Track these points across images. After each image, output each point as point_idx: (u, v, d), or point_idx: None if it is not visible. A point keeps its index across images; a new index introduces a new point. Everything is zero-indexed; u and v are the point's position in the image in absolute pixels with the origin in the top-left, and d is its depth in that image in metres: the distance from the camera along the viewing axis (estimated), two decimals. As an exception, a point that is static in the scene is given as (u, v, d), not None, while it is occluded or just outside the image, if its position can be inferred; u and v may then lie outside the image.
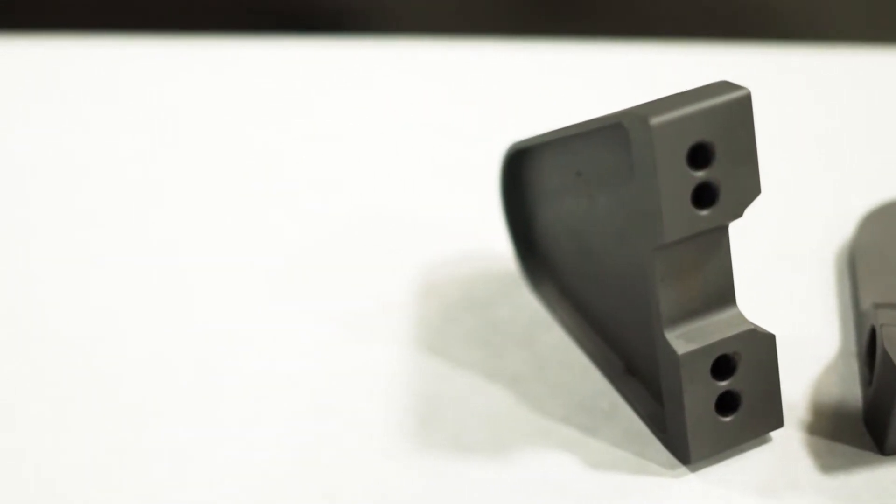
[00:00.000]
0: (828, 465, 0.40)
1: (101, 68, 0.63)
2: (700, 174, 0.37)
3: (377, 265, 0.49)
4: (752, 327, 0.39)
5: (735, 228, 0.47)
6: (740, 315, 0.39)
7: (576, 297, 0.45)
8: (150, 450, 0.41)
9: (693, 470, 0.40)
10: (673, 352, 0.38)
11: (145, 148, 0.57)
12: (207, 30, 0.66)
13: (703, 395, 0.39)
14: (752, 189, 0.37)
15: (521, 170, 0.45)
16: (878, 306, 0.41)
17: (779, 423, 0.40)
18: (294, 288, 0.48)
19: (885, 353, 0.40)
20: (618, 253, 0.41)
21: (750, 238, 0.48)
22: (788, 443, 0.41)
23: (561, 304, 0.45)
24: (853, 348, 0.44)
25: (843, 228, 0.49)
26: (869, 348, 0.42)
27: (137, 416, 0.42)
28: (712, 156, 0.37)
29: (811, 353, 0.44)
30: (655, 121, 0.36)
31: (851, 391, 0.43)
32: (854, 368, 0.44)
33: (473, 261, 0.49)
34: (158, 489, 0.40)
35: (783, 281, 0.47)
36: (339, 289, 0.47)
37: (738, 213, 0.37)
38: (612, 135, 0.38)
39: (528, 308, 0.46)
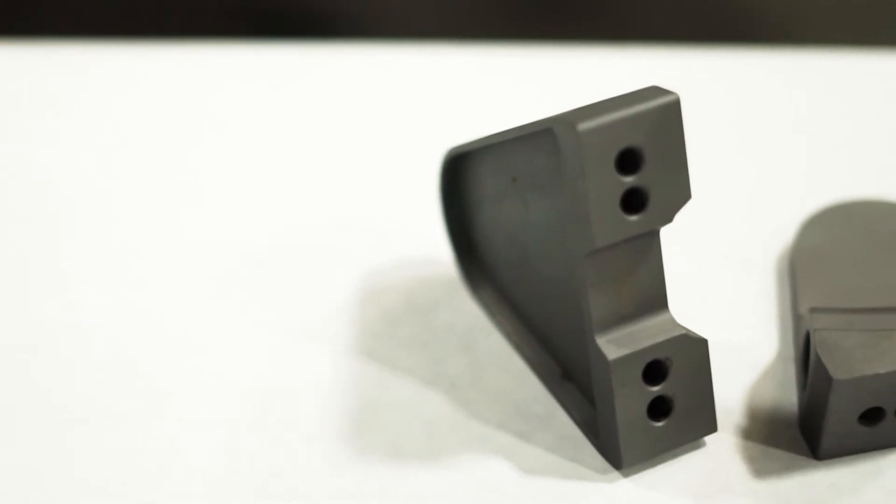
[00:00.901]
0: (761, 469, 0.40)
1: (72, 73, 0.63)
2: (629, 179, 0.37)
3: (320, 272, 0.49)
4: (684, 332, 0.39)
5: (678, 233, 0.47)
6: (672, 320, 0.39)
7: (514, 302, 0.45)
8: (84, 453, 0.41)
9: (626, 475, 0.40)
10: (604, 357, 0.38)
11: (100, 153, 0.57)
12: (179, 35, 0.66)
13: (634, 400, 0.39)
14: (682, 194, 0.37)
15: (460, 175, 0.45)
16: (813, 310, 0.42)
17: (712, 427, 0.40)
18: (237, 294, 0.48)
19: (818, 358, 0.40)
20: (552, 258, 0.41)
21: (692, 243, 0.48)
22: (722, 447, 0.41)
23: (500, 309, 0.45)
24: (791, 353, 0.44)
25: (787, 233, 0.49)
26: (805, 353, 0.42)
27: (75, 419, 0.42)
28: (641, 161, 0.37)
29: (749, 358, 0.44)
30: (583, 126, 0.36)
31: (788, 396, 0.43)
32: (792, 373, 0.44)
33: (416, 266, 0.49)
34: (91, 492, 0.40)
35: (724, 285, 0.47)
36: (282, 295, 0.47)
37: (668, 219, 0.38)
38: (544, 140, 0.38)
39: (468, 313, 0.46)
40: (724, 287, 0.47)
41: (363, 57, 0.63)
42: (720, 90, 0.60)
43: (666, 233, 0.48)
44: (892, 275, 0.44)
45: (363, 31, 1.04)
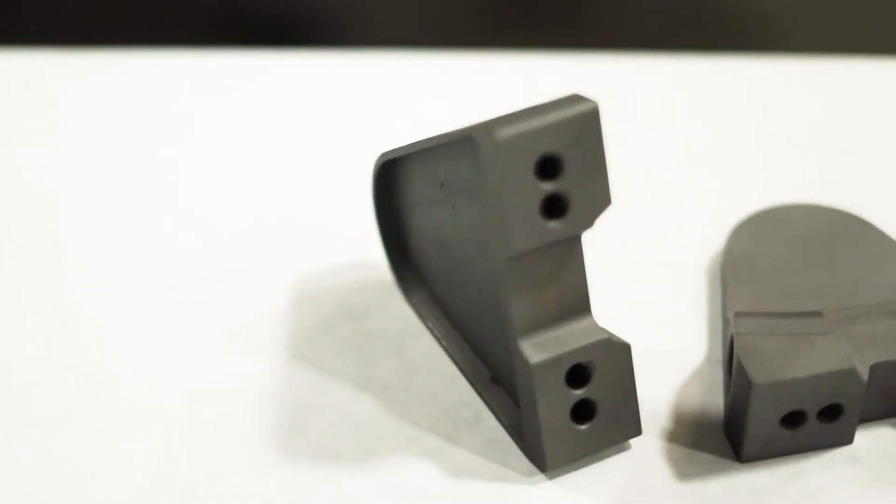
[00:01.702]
0: (684, 472, 0.41)
1: (37, 80, 0.63)
2: (549, 186, 0.37)
3: (256, 276, 0.49)
4: (607, 336, 0.39)
5: (612, 238, 0.48)
6: (595, 324, 0.40)
7: (445, 307, 0.45)
8: (11, 457, 0.41)
9: (550, 477, 0.41)
10: (526, 361, 0.39)
11: (45, 157, 0.57)
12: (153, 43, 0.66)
13: (557, 403, 0.39)
14: (602, 200, 0.38)
15: (393, 180, 0.45)
16: (738, 315, 0.42)
17: (636, 430, 0.41)
18: (171, 297, 0.48)
19: (739, 363, 0.40)
20: (478, 263, 0.41)
21: (627, 248, 0.49)
22: (648, 450, 0.42)
23: (432, 312, 0.46)
24: (720, 356, 0.45)
25: (720, 237, 0.49)
26: (730, 357, 0.43)
27: (2, 422, 0.43)
28: (561, 168, 0.37)
29: (678, 362, 0.45)
30: (502, 134, 0.36)
31: (714, 399, 0.43)
32: (719, 377, 0.44)
33: (351, 270, 0.49)
34: (17, 497, 0.40)
35: (657, 290, 0.48)
36: (218, 299, 0.48)
37: (588, 224, 0.38)
38: (468, 147, 0.39)
39: (401, 317, 0.47)
40: (656, 292, 0.48)
41: (337, 63, 0.64)
42: (658, 96, 0.60)
43: (600, 238, 0.49)
44: (818, 279, 0.45)
45: (335, 39, 1.04)
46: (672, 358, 0.45)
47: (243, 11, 1.07)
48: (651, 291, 0.48)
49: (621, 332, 0.42)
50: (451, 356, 0.45)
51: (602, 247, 0.50)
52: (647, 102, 0.60)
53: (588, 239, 0.47)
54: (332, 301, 0.48)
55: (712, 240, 0.49)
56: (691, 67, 0.63)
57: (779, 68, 0.63)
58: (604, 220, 0.50)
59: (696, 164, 0.56)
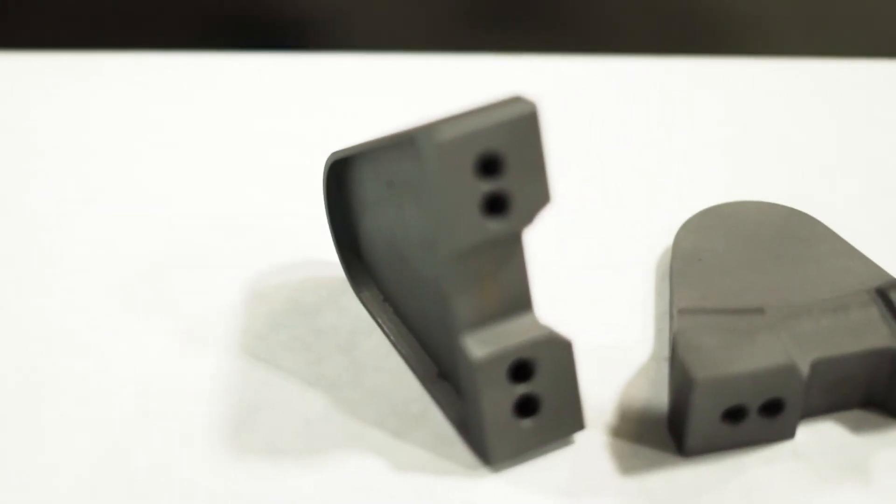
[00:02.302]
0: (628, 466, 0.41)
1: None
2: (490, 185, 0.38)
3: (208, 273, 0.49)
4: (549, 333, 0.40)
5: (562, 236, 0.48)
6: (537, 321, 0.40)
7: (395, 304, 0.46)
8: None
9: (495, 471, 0.41)
10: (469, 356, 0.39)
11: (9, 158, 0.57)
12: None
13: (500, 398, 0.40)
14: (542, 197, 0.38)
15: (344, 179, 0.46)
16: (681, 312, 0.43)
17: (580, 425, 0.41)
18: (123, 295, 0.48)
19: (680, 358, 0.41)
20: (424, 261, 0.42)
21: (577, 246, 0.49)
22: (592, 445, 0.42)
23: (383, 310, 0.46)
24: (666, 353, 0.45)
25: (670, 234, 0.50)
26: (674, 353, 0.43)
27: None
28: (502, 167, 0.38)
29: (625, 359, 0.45)
30: (442, 135, 0.37)
31: (659, 395, 0.44)
32: (665, 373, 0.45)
33: (304, 267, 0.49)
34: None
35: (605, 288, 0.48)
36: (169, 297, 0.48)
37: (529, 221, 0.39)
38: (411, 147, 0.39)
39: (352, 314, 0.47)
40: (604, 289, 0.48)
41: (303, 65, 0.64)
42: (611, 95, 0.61)
43: (550, 236, 0.49)
44: (764, 276, 0.45)
45: (304, 42, 1.04)
46: (618, 354, 0.45)
47: (205, 13, 1.08)
48: (600, 289, 0.48)
49: (569, 329, 0.42)
50: (400, 353, 0.45)
51: (552, 244, 0.50)
52: (599, 101, 0.61)
53: (538, 236, 0.48)
54: (284, 298, 0.48)
55: (662, 236, 0.50)
56: (644, 67, 0.64)
57: (728, 68, 0.63)
58: (555, 218, 0.50)
59: (647, 162, 0.56)
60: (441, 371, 0.44)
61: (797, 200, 0.50)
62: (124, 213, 0.53)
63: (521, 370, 0.40)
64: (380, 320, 0.46)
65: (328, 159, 0.45)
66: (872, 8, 1.03)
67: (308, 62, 0.64)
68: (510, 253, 0.39)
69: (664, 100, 0.60)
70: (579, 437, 0.42)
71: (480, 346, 0.39)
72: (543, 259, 0.49)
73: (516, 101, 0.38)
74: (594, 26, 1.04)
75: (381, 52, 0.64)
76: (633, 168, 0.56)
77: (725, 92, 0.61)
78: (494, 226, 0.38)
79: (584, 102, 0.60)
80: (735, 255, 0.46)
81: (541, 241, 0.50)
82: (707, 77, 0.62)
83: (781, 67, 0.63)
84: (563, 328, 0.41)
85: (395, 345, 0.45)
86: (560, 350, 0.40)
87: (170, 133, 0.58)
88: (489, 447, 0.40)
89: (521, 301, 0.40)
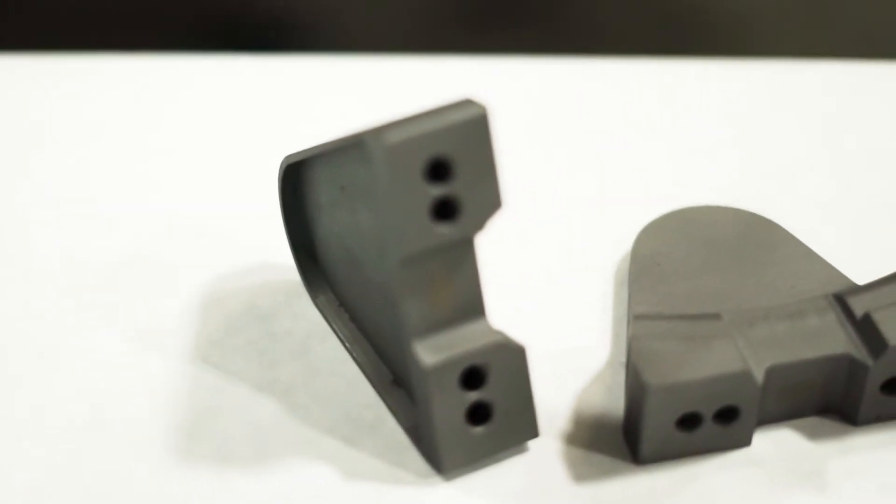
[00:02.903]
0: (582, 474, 0.41)
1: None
2: (439, 189, 0.37)
3: (164, 278, 0.49)
4: (501, 339, 0.39)
5: (523, 241, 0.48)
6: (489, 327, 0.40)
7: (351, 308, 0.45)
8: None
9: (447, 479, 0.41)
10: (420, 363, 0.39)
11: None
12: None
13: (452, 405, 0.39)
14: (493, 202, 0.38)
15: (300, 183, 0.45)
16: (636, 317, 0.42)
17: (533, 433, 0.41)
18: (77, 300, 0.48)
19: (634, 365, 0.40)
20: (377, 266, 0.42)
21: (537, 251, 0.49)
22: (546, 452, 0.42)
23: (338, 315, 0.46)
24: (622, 358, 0.45)
25: (629, 240, 0.49)
26: (628, 359, 0.43)
27: None
28: (452, 171, 0.37)
29: (581, 365, 0.45)
30: (390, 139, 0.36)
31: (615, 402, 0.44)
32: (622, 379, 0.44)
33: (261, 272, 0.49)
34: None
35: (564, 293, 0.48)
36: (124, 301, 0.48)
37: (480, 227, 0.38)
38: (362, 150, 0.39)
39: (308, 319, 0.47)
40: (563, 294, 0.48)
41: (273, 67, 0.64)
42: (573, 98, 0.61)
43: (510, 240, 0.49)
44: (723, 281, 0.45)
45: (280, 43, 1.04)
46: (575, 360, 0.45)
47: (181, 14, 1.07)
48: (558, 294, 0.48)
49: (526, 334, 0.42)
50: (355, 359, 0.45)
51: (512, 249, 0.50)
52: (561, 104, 0.60)
53: (497, 240, 0.48)
54: (240, 303, 0.48)
55: (622, 241, 0.50)
56: (609, 69, 0.63)
57: (691, 71, 0.63)
58: (514, 222, 0.50)
59: (609, 165, 0.56)
60: (395, 378, 0.43)
61: (759, 205, 0.50)
62: (79, 217, 0.52)
63: (472, 377, 0.40)
64: (335, 326, 0.46)
65: (282, 162, 0.45)
66: (839, 9, 1.03)
67: (285, 63, 0.64)
68: (461, 258, 0.39)
69: (628, 103, 0.60)
70: (533, 445, 0.42)
71: (431, 352, 0.39)
72: (501, 264, 0.49)
73: (466, 104, 0.37)
74: (558, 27, 1.04)
75: (363, 53, 0.64)
76: (596, 171, 0.55)
77: (689, 96, 0.61)
78: (444, 231, 0.38)
79: (544, 104, 0.60)
80: (694, 260, 0.46)
81: (499, 245, 0.49)
82: (671, 81, 0.62)
83: (743, 71, 0.63)
84: (519, 334, 0.41)
85: (349, 351, 0.45)
86: (513, 356, 0.40)
87: (125, 136, 0.58)
88: (441, 455, 0.40)
89: (473, 307, 0.40)
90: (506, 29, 1.04)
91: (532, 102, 0.60)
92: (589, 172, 0.55)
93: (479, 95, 0.39)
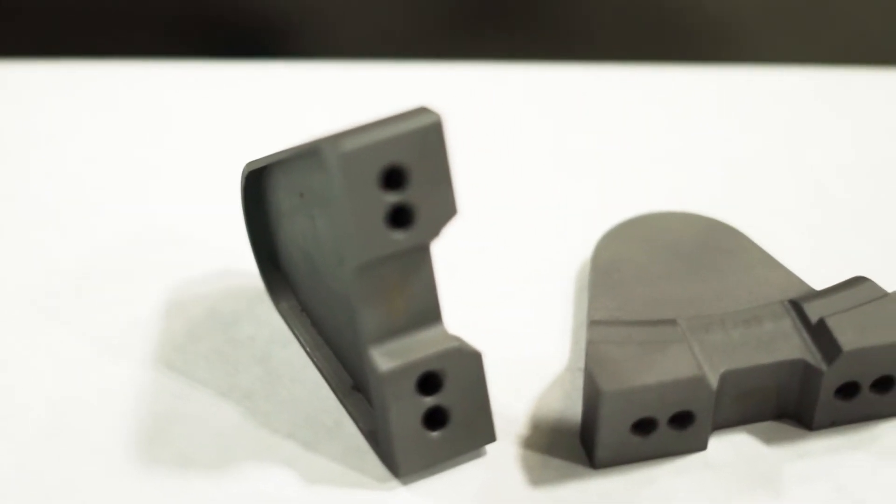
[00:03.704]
0: (539, 478, 0.41)
1: None
2: (394, 197, 0.38)
3: (128, 284, 0.49)
4: (457, 345, 0.40)
5: (485, 245, 0.48)
6: (446, 333, 0.40)
7: (312, 314, 0.46)
8: None
9: (405, 483, 0.41)
10: (376, 369, 0.39)
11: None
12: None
13: (409, 410, 0.40)
14: (448, 210, 0.38)
15: (262, 189, 0.46)
16: (593, 323, 0.43)
17: (490, 437, 0.41)
18: (40, 306, 0.48)
19: (589, 371, 0.41)
20: (335, 272, 0.42)
21: (499, 257, 0.49)
22: (503, 457, 0.42)
23: (300, 320, 0.46)
24: (581, 364, 0.45)
25: (591, 246, 0.50)
26: (585, 364, 0.43)
27: None
28: (407, 179, 0.38)
29: (540, 370, 0.45)
30: (344, 147, 0.37)
31: (573, 407, 0.44)
32: (580, 384, 0.45)
33: (225, 278, 0.49)
34: None
35: (524, 299, 0.48)
36: (87, 308, 0.48)
37: (435, 234, 0.39)
38: (319, 158, 0.39)
39: (270, 325, 0.47)
40: (523, 300, 0.48)
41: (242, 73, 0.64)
42: (537, 104, 0.61)
43: (472, 247, 0.49)
44: (682, 287, 0.45)
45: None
46: (534, 366, 0.45)
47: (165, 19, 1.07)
48: (519, 300, 0.49)
49: (485, 340, 0.42)
50: (315, 364, 0.45)
51: (476, 256, 0.51)
52: (522, 111, 0.61)
53: (459, 247, 0.48)
54: (203, 309, 0.48)
55: (583, 248, 0.50)
56: (569, 77, 0.64)
57: (653, 78, 0.63)
58: (477, 228, 0.50)
59: (572, 171, 0.56)
60: (355, 383, 0.44)
61: (720, 211, 0.50)
62: (43, 224, 0.52)
63: (429, 382, 0.40)
64: (297, 331, 0.46)
65: (244, 169, 0.45)
66: (795, 14, 1.04)
67: (267, 70, 0.64)
68: (417, 265, 0.39)
69: (589, 110, 0.61)
70: (491, 449, 0.42)
71: (388, 358, 0.39)
72: (464, 270, 0.49)
73: (421, 112, 0.38)
74: (525, 35, 1.04)
75: (347, 59, 0.64)
76: (558, 177, 0.56)
77: (652, 102, 0.61)
78: (400, 238, 0.38)
79: (505, 111, 0.60)
80: (654, 266, 0.47)
81: (462, 251, 0.50)
82: (633, 88, 0.62)
83: (704, 78, 0.63)
84: (480, 340, 0.41)
85: (311, 356, 0.45)
86: (469, 361, 0.40)
87: (89, 142, 0.58)
88: (398, 459, 0.40)
89: (429, 313, 0.40)
90: (471, 37, 1.05)
91: (491, 109, 0.61)
92: (552, 178, 0.56)
93: (434, 102, 0.40)
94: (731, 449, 0.43)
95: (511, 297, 0.49)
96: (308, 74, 0.64)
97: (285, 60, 0.65)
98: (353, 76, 0.64)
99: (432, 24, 1.07)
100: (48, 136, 0.59)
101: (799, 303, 0.44)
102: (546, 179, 0.56)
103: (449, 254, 0.46)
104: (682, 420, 0.42)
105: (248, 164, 0.45)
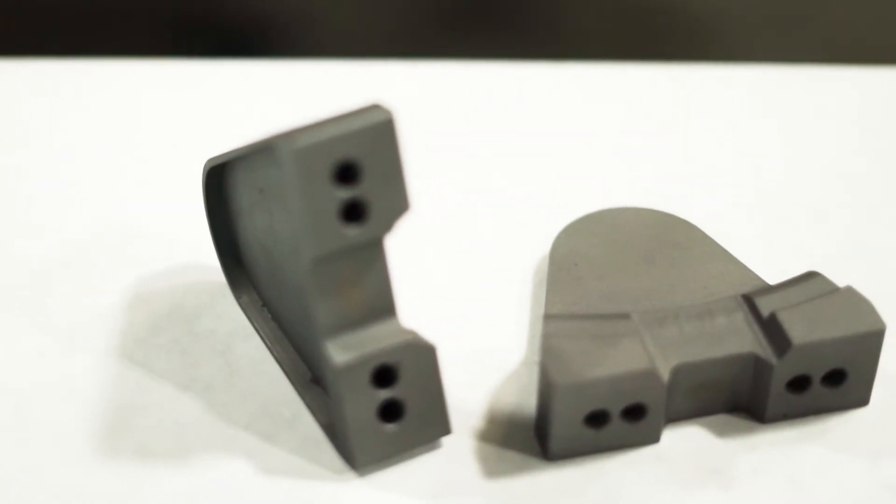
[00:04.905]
0: (493, 470, 0.42)
1: None
2: (347, 192, 0.38)
3: (91, 278, 0.49)
4: (412, 338, 0.40)
5: (443, 240, 0.49)
6: (400, 326, 0.41)
7: (272, 308, 0.46)
8: None
9: (362, 475, 0.42)
10: (331, 362, 0.40)
11: None
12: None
13: (364, 403, 0.40)
14: (401, 205, 0.39)
15: (223, 184, 0.46)
16: (547, 317, 0.43)
17: (445, 430, 0.42)
18: (2, 298, 0.49)
19: (543, 364, 0.41)
20: (292, 267, 0.42)
21: (456, 252, 0.50)
22: (459, 449, 0.43)
23: (261, 314, 0.47)
24: (537, 358, 0.46)
25: (550, 241, 0.50)
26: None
27: None
28: (359, 175, 0.38)
29: (496, 364, 0.46)
30: (298, 143, 0.37)
31: (528, 400, 0.44)
32: (535, 378, 0.45)
33: (188, 273, 0.50)
34: None
35: (481, 293, 0.49)
36: (50, 300, 0.48)
37: (387, 228, 0.39)
38: (273, 154, 0.40)
39: (232, 319, 0.48)
40: (480, 294, 0.49)
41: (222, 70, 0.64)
42: (497, 100, 0.62)
43: (433, 240, 0.50)
44: (637, 281, 0.46)
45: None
46: (490, 359, 0.46)
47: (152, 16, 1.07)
48: (477, 295, 0.49)
49: (442, 334, 0.43)
50: (275, 357, 0.46)
51: (435, 250, 0.51)
52: (482, 107, 0.61)
53: (417, 241, 0.49)
54: (166, 302, 0.48)
55: (542, 243, 0.51)
56: (529, 74, 0.64)
57: (611, 75, 0.64)
58: (436, 223, 0.51)
59: (530, 167, 0.57)
60: (314, 376, 0.44)
61: (676, 207, 0.51)
62: (7, 217, 0.53)
63: (384, 375, 0.41)
64: (257, 325, 0.47)
65: (205, 165, 0.46)
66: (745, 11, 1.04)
67: (248, 68, 0.65)
68: (371, 259, 0.40)
69: (547, 106, 0.61)
70: (447, 442, 0.43)
71: (342, 351, 0.40)
72: (422, 264, 0.50)
73: (374, 108, 0.38)
74: (490, 34, 1.04)
75: (336, 58, 0.65)
76: (517, 173, 0.56)
77: (611, 98, 0.62)
78: (353, 233, 0.39)
79: (465, 107, 0.61)
80: (610, 261, 0.47)
81: (420, 245, 0.50)
82: (591, 85, 0.63)
83: (660, 74, 0.64)
84: (437, 333, 0.42)
85: (270, 350, 0.46)
86: (423, 355, 0.41)
87: (58, 138, 0.58)
88: (354, 452, 0.41)
89: (383, 307, 0.41)
90: (447, 36, 1.05)
91: (454, 106, 0.61)
92: (510, 173, 0.56)
93: (399, 100, 0.40)
94: (683, 442, 0.43)
95: (469, 291, 0.49)
96: (287, 73, 0.65)
97: (267, 59, 0.66)
98: (332, 74, 0.64)
99: (403, 24, 1.07)
100: (19, 133, 0.59)
101: (751, 297, 0.44)
102: (506, 175, 0.56)
103: (408, 248, 0.46)
104: (634, 413, 0.42)
105: (209, 161, 0.45)
